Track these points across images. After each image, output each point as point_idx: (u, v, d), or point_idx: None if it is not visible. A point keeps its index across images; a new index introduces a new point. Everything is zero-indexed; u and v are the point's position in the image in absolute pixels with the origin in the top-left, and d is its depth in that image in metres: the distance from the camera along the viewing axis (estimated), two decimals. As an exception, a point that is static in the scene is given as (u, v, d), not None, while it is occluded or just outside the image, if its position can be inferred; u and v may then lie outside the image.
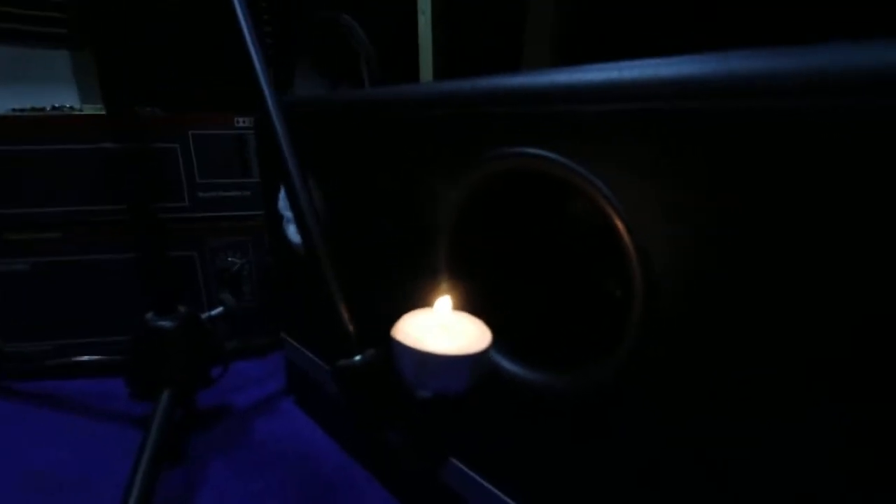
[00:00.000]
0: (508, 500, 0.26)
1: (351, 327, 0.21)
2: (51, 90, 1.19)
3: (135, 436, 0.42)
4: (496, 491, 0.27)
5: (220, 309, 0.47)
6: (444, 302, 0.19)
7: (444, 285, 0.26)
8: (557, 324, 0.27)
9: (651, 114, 0.17)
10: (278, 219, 0.41)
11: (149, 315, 0.42)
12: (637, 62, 0.17)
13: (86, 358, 0.48)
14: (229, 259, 0.60)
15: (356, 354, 0.21)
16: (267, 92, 0.26)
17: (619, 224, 0.18)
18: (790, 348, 0.15)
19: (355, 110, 0.30)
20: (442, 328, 0.18)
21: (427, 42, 0.98)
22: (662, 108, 0.16)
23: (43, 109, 0.58)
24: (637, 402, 0.19)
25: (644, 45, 0.60)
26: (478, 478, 0.28)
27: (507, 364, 0.24)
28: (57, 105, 0.59)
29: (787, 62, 0.14)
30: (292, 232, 0.39)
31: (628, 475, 0.21)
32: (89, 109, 0.59)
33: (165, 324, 0.41)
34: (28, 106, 0.60)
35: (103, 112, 0.56)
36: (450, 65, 0.94)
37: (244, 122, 0.59)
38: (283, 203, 0.40)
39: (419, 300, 0.21)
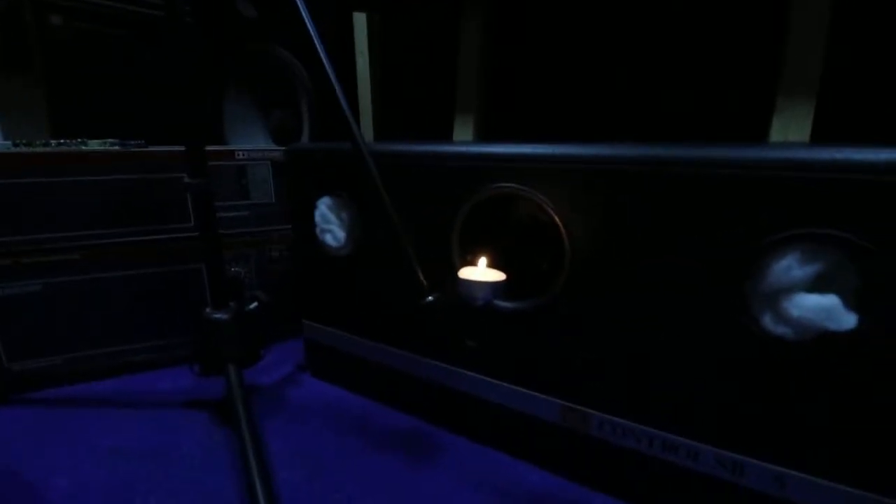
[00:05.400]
0: (494, 380, 0.46)
1: (425, 282, 0.39)
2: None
3: (180, 412, 0.55)
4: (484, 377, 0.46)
5: (255, 304, 0.60)
6: (482, 261, 0.38)
7: (458, 260, 0.45)
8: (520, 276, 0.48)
9: (572, 171, 0.38)
10: (311, 228, 0.56)
11: (207, 310, 0.54)
12: (573, 146, 0.38)
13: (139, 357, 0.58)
14: (233, 269, 0.72)
15: (429, 296, 0.39)
16: (356, 130, 0.41)
17: (558, 220, 0.39)
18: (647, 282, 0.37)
19: (397, 157, 0.48)
20: (481, 272, 0.38)
21: (365, 81, 1.16)
22: (579, 168, 0.38)
23: (49, 144, 0.64)
24: (567, 311, 0.40)
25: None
26: (478, 375, 0.47)
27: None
28: (63, 140, 0.66)
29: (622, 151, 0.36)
30: (329, 238, 0.55)
31: (563, 347, 0.41)
32: (94, 144, 0.66)
33: (223, 315, 0.54)
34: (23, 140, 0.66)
35: (111, 148, 0.65)
36: (388, 103, 1.13)
37: (244, 154, 0.71)
38: (319, 217, 0.55)
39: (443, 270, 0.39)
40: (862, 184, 0.28)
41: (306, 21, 0.42)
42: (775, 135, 0.62)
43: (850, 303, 0.29)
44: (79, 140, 0.67)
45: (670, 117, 0.73)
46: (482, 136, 0.90)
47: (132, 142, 0.65)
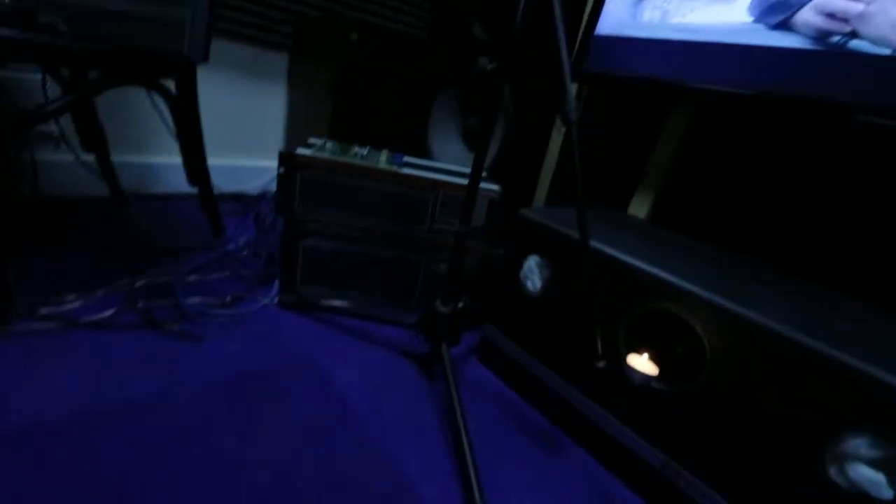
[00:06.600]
0: (621, 422, 0.67)
1: (601, 349, 0.61)
2: (263, 86, 1.59)
3: (401, 358, 0.84)
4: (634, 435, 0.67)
5: (461, 304, 0.87)
6: (645, 355, 0.59)
7: (623, 345, 0.66)
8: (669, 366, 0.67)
9: (719, 312, 0.56)
10: (517, 271, 0.81)
11: (438, 302, 0.83)
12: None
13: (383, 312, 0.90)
14: (442, 267, 1.01)
15: (602, 362, 0.61)
16: (586, 229, 0.64)
17: (701, 331, 0.58)
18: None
19: (601, 255, 0.69)
20: (643, 363, 0.58)
21: (554, 152, 1.33)
22: (724, 313, 0.56)
23: (356, 155, 0.97)
24: (707, 396, 0.59)
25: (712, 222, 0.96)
26: (629, 430, 0.68)
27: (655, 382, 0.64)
28: (362, 153, 0.98)
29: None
30: (529, 284, 0.79)
31: (703, 424, 0.60)
32: (382, 161, 0.98)
33: (446, 309, 0.82)
34: (322, 142, 1.00)
35: (390, 167, 0.95)
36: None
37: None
38: (527, 267, 0.79)
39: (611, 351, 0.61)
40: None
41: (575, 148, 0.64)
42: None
43: (892, 482, 0.44)
44: (367, 149, 0.99)
45: (821, 254, 0.82)
46: (655, 215, 1.05)
47: (401, 156, 0.95)
